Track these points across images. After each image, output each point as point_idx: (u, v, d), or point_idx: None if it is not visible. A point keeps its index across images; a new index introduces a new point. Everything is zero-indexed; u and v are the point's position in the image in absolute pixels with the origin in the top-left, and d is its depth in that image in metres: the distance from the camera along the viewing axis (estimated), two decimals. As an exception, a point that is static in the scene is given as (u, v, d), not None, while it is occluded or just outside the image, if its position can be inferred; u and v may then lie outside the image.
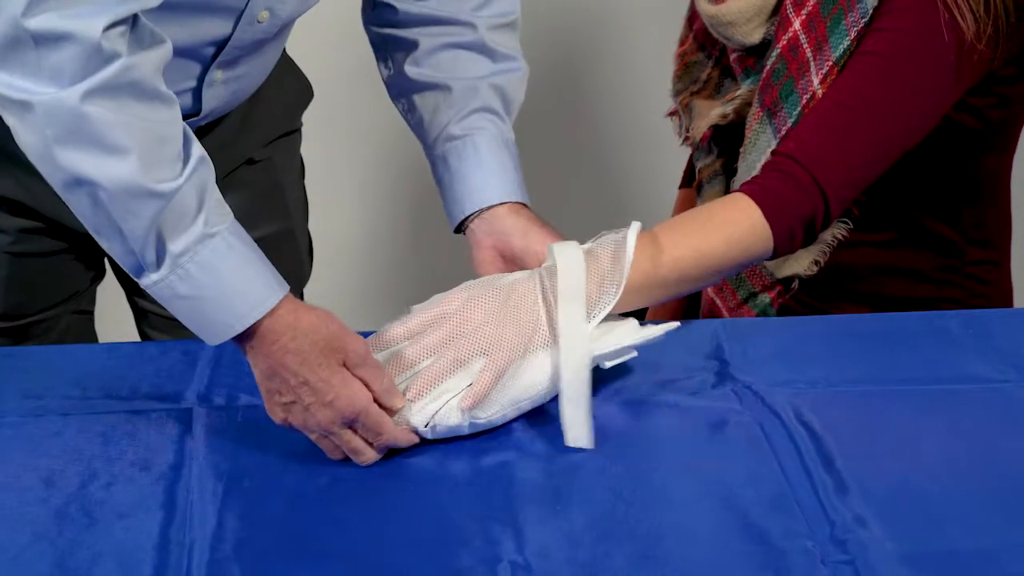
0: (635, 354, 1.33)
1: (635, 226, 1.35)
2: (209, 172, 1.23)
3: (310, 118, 1.76)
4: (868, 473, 1.22)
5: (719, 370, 1.38)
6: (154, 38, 1.20)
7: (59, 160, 1.17)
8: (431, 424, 1.25)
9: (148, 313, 1.70)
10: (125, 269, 1.24)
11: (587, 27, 2.58)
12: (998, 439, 1.26)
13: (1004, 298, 1.67)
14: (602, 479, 1.23)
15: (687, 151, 1.85)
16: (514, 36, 1.55)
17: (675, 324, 1.35)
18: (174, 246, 1.20)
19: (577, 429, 1.25)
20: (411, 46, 1.52)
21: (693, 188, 1.80)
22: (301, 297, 1.76)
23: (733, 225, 1.41)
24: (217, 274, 1.21)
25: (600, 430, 1.29)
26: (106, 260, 1.68)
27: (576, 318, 1.30)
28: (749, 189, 1.44)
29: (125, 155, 1.17)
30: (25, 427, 1.29)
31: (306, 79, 1.73)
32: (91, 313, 1.73)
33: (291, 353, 1.22)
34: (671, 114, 1.81)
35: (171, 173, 1.19)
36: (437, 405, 1.25)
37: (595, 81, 2.64)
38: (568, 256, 1.32)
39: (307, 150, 1.78)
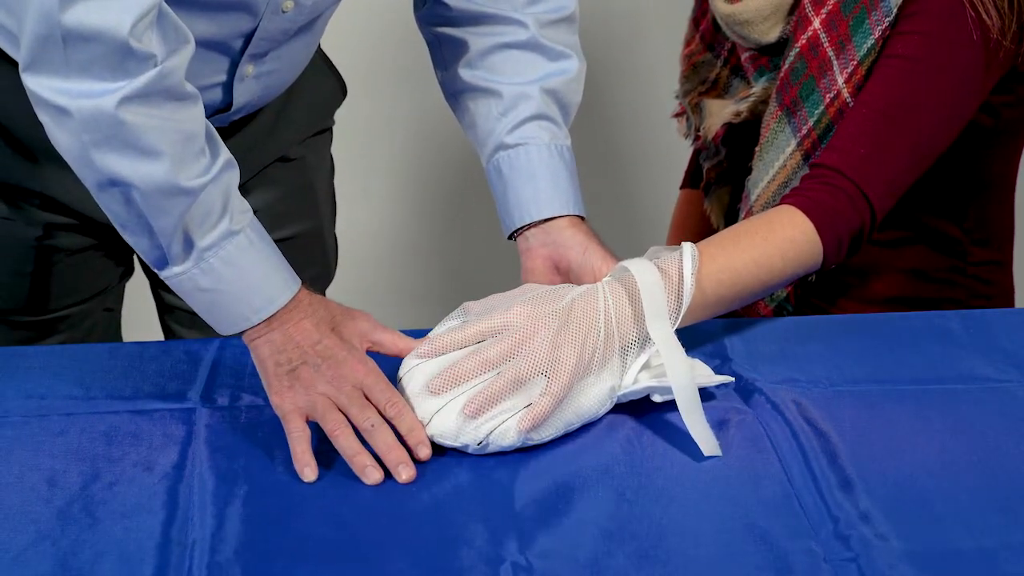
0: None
1: (689, 253, 1.34)
2: (235, 174, 1.28)
3: (336, 117, 1.77)
4: (870, 471, 1.22)
5: (722, 368, 1.38)
6: (178, 35, 1.23)
7: (95, 162, 1.22)
8: (484, 443, 1.24)
9: (174, 308, 1.72)
10: (147, 262, 1.28)
11: (591, 28, 2.58)
12: (999, 439, 1.26)
13: (1006, 299, 1.67)
14: (604, 478, 1.23)
15: (690, 152, 1.85)
16: (570, 30, 1.54)
17: (729, 379, 1.35)
18: (201, 241, 1.25)
19: (708, 441, 1.25)
20: (463, 47, 1.52)
21: (699, 188, 1.80)
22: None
23: (789, 241, 1.40)
24: (238, 269, 1.27)
25: (603, 429, 1.29)
26: (135, 257, 1.69)
27: (669, 336, 1.29)
28: (799, 202, 1.43)
29: (159, 157, 1.21)
30: (28, 427, 1.30)
31: (341, 78, 1.73)
32: (118, 311, 1.74)
33: (308, 319, 1.29)
34: (677, 115, 1.81)
35: (199, 170, 1.24)
36: (493, 424, 1.24)
37: (598, 81, 2.64)
38: (647, 275, 1.31)
39: (334, 149, 1.78)
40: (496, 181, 1.49)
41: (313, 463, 1.23)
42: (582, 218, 1.47)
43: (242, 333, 1.30)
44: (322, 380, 1.26)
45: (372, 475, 1.22)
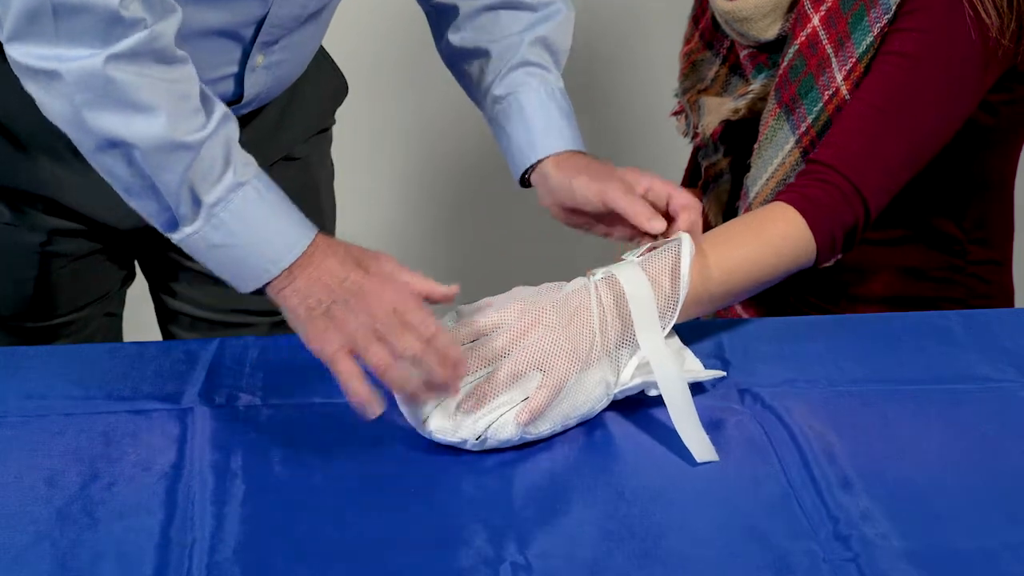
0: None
1: (687, 245, 1.33)
2: (234, 126, 1.27)
3: (337, 116, 1.77)
4: (869, 471, 1.22)
5: (719, 369, 1.38)
6: (164, 4, 1.23)
7: (90, 124, 1.21)
8: (482, 437, 1.24)
9: (178, 314, 1.70)
10: (158, 227, 1.27)
11: (591, 27, 2.58)
12: (998, 439, 1.26)
13: (1006, 298, 1.67)
14: (603, 478, 1.23)
15: (689, 151, 1.85)
16: None
17: (721, 373, 1.35)
18: (207, 197, 1.24)
19: (702, 447, 1.25)
20: (453, 13, 1.54)
21: (697, 187, 1.80)
22: None
23: (781, 238, 1.40)
24: (249, 221, 1.25)
25: (601, 429, 1.29)
26: (136, 262, 1.69)
27: (660, 346, 1.29)
28: (791, 199, 1.43)
29: (154, 113, 1.21)
30: (27, 427, 1.30)
31: (342, 75, 1.74)
32: (119, 316, 1.73)
33: (331, 258, 1.26)
34: (676, 113, 1.81)
35: (196, 125, 1.23)
36: (491, 418, 1.24)
37: (598, 81, 2.64)
38: (636, 284, 1.31)
39: (335, 148, 1.78)
40: (499, 134, 1.51)
41: (375, 397, 1.22)
42: (573, 152, 1.47)
43: (267, 288, 1.27)
44: (355, 317, 1.24)
45: (418, 401, 1.23)
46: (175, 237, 1.27)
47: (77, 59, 1.19)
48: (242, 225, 1.25)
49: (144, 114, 1.21)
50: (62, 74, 1.19)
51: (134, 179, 1.24)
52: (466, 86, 1.56)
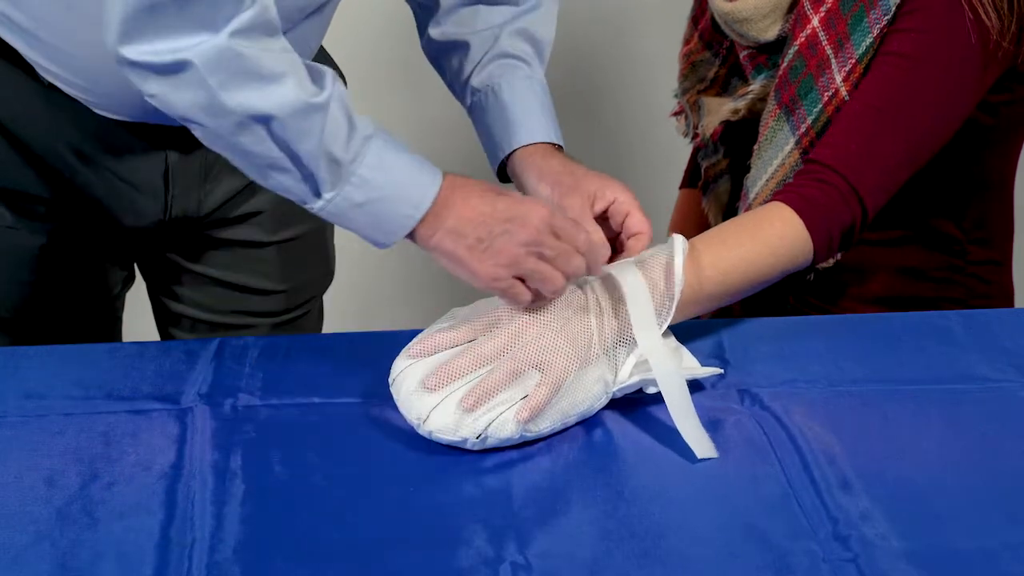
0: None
1: (680, 244, 1.34)
2: (343, 84, 1.27)
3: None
4: (869, 471, 1.22)
5: (719, 368, 1.38)
6: None
7: (228, 105, 1.21)
8: (483, 435, 1.24)
9: (179, 317, 1.70)
10: (297, 199, 1.27)
11: (590, 27, 2.58)
12: (998, 439, 1.26)
13: (1005, 299, 1.67)
14: (603, 478, 1.23)
15: (689, 152, 1.85)
16: None
17: (718, 370, 1.35)
18: (345, 155, 1.24)
19: (702, 443, 1.25)
20: (434, 8, 1.55)
21: (697, 188, 1.80)
22: (321, 302, 1.77)
23: (778, 238, 1.41)
24: (385, 170, 1.26)
25: (601, 428, 1.29)
26: (136, 265, 1.68)
27: (657, 344, 1.30)
28: (788, 199, 1.43)
29: (282, 80, 1.21)
30: (27, 427, 1.30)
31: (341, 74, 1.74)
32: (119, 319, 1.73)
33: (471, 196, 1.27)
34: (675, 114, 1.82)
35: (316, 87, 1.23)
36: (491, 416, 1.24)
37: (597, 81, 2.64)
38: (633, 282, 1.32)
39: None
40: (477, 129, 1.51)
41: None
42: (542, 144, 1.47)
43: (415, 237, 1.28)
44: (516, 243, 1.26)
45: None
46: (316, 205, 1.26)
47: (202, 42, 1.19)
48: (381, 176, 1.25)
49: (275, 83, 1.21)
50: (192, 60, 1.19)
51: (276, 153, 1.24)
52: (448, 81, 1.56)
